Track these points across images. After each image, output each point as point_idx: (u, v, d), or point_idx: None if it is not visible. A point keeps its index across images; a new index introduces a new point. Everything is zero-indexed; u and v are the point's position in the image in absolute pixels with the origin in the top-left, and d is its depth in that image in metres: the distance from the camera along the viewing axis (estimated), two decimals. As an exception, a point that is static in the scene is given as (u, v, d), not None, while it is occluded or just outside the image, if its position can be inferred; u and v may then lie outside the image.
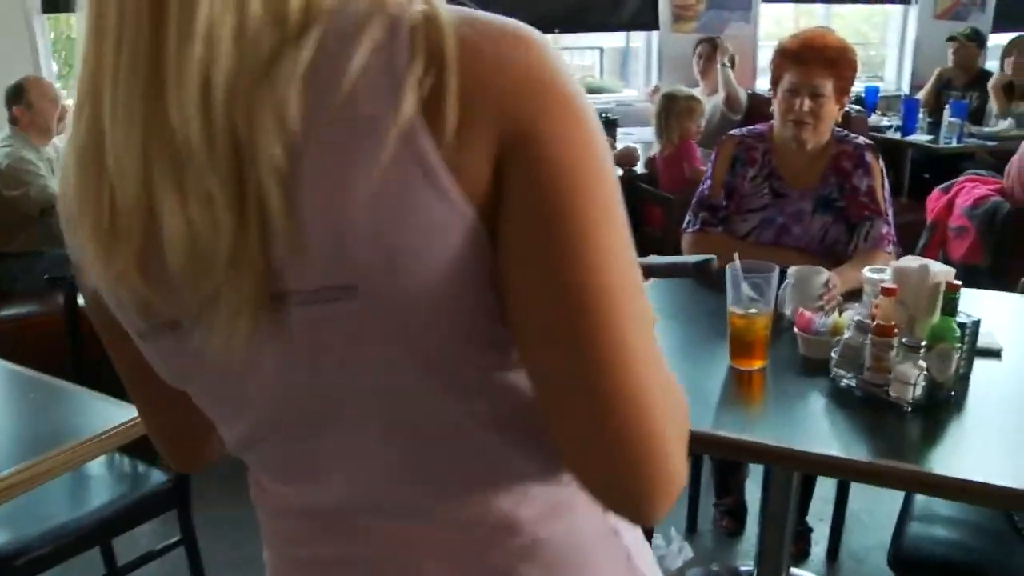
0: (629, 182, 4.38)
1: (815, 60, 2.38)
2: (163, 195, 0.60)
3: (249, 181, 0.59)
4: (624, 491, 0.66)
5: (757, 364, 1.85)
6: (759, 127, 2.63)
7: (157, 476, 2.39)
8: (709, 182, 2.60)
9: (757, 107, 5.17)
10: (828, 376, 1.77)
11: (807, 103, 2.39)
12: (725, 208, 2.56)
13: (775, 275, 1.83)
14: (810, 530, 2.82)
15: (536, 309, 0.62)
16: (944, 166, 5.05)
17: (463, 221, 0.60)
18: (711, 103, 4.90)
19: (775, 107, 2.49)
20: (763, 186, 2.54)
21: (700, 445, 1.67)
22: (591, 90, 7.96)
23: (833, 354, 1.76)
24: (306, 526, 0.78)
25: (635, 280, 0.65)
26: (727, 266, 1.84)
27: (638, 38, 6.16)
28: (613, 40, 7.47)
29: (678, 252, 2.77)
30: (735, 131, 2.66)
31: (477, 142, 0.59)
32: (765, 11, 6.22)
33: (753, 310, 1.82)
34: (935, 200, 3.69)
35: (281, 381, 0.68)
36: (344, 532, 0.76)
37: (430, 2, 0.61)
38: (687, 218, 2.64)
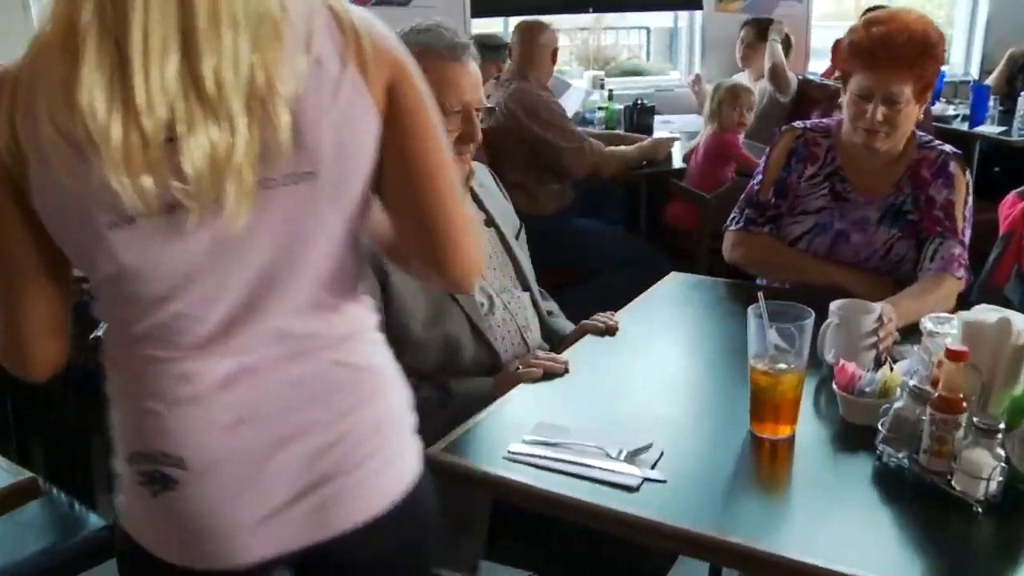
0: (657, 177, 3.99)
1: (892, 62, 1.97)
2: (190, 118, 0.92)
3: (257, 109, 0.95)
4: (457, 271, 1.15)
5: (784, 432, 1.47)
6: (825, 121, 2.27)
7: (94, 521, 2.10)
8: (760, 177, 2.27)
9: (807, 93, 4.74)
10: (875, 450, 1.39)
11: (881, 111, 1.99)
12: (775, 207, 2.21)
13: (810, 322, 1.45)
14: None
15: (406, 170, 1.10)
16: (1018, 161, 4.56)
17: (377, 127, 1.06)
18: (756, 91, 4.45)
19: (844, 106, 2.10)
20: (823, 186, 2.17)
21: (705, 552, 1.30)
22: (633, 72, 7.57)
23: (880, 425, 1.38)
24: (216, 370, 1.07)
25: (449, 159, 1.13)
26: (749, 309, 1.47)
27: (687, 17, 5.70)
28: (660, 19, 7.04)
29: (717, 255, 2.48)
30: (797, 123, 2.29)
31: (379, 83, 1.05)
32: (822, -12, 5.74)
33: (781, 365, 1.44)
34: (1010, 207, 3.22)
35: (247, 244, 1.02)
36: (255, 351, 1.08)
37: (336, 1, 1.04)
38: (732, 214, 2.31)
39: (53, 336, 1.11)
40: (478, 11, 4.94)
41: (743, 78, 4.69)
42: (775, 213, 2.22)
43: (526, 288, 2.03)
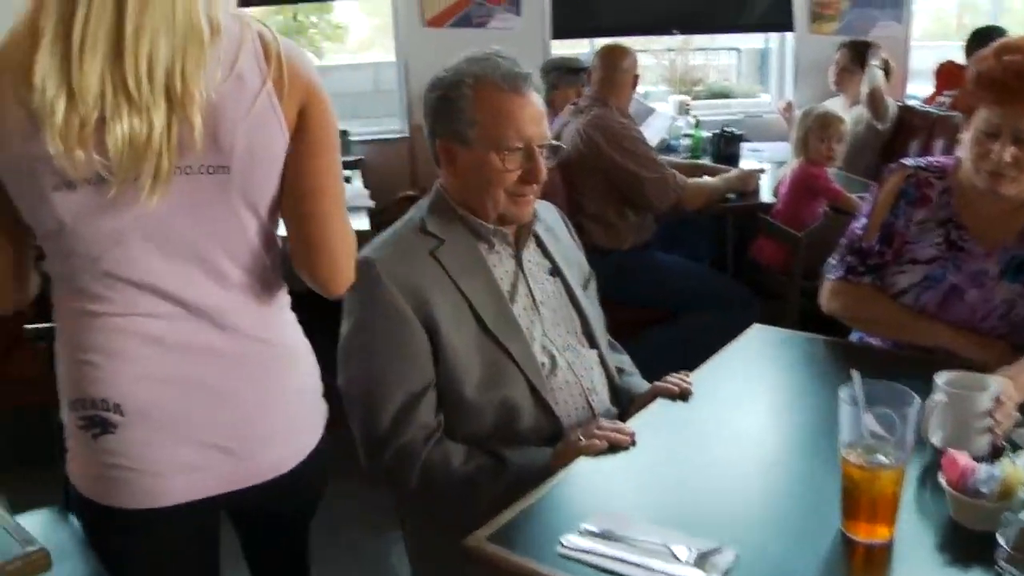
0: (745, 211, 3.76)
1: None
2: (114, 109, 1.15)
3: (175, 108, 1.17)
4: (325, 275, 1.38)
5: (880, 535, 1.26)
6: (941, 161, 2.04)
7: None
8: (864, 220, 2.06)
9: (907, 120, 4.47)
10: (994, 565, 1.17)
11: (1010, 151, 1.77)
12: (880, 255, 2.00)
13: (915, 409, 1.24)
14: None
15: (299, 183, 1.32)
16: None
17: (284, 137, 1.28)
18: (851, 117, 4.20)
19: (964, 145, 1.89)
20: (935, 233, 1.96)
21: None
22: (722, 94, 7.35)
23: (1001, 538, 1.16)
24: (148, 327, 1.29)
25: (340, 182, 1.38)
26: (840, 389, 1.27)
27: (778, 39, 5.43)
28: (751, 40, 6.81)
29: (809, 297, 2.32)
30: (908, 160, 2.07)
31: (292, 101, 1.27)
32: (921, 6, 5.40)
33: (880, 458, 1.24)
34: None
35: (171, 219, 1.24)
36: (179, 317, 1.29)
37: (265, 26, 1.28)
38: (831, 260, 2.11)
39: (12, 280, 1.35)
40: (560, 32, 4.80)
41: (837, 103, 4.45)
42: (879, 262, 2.01)
43: (593, 345, 1.85)
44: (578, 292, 1.86)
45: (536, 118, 1.69)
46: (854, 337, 2.16)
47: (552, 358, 1.74)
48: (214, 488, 1.34)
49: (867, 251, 2.02)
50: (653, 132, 4.39)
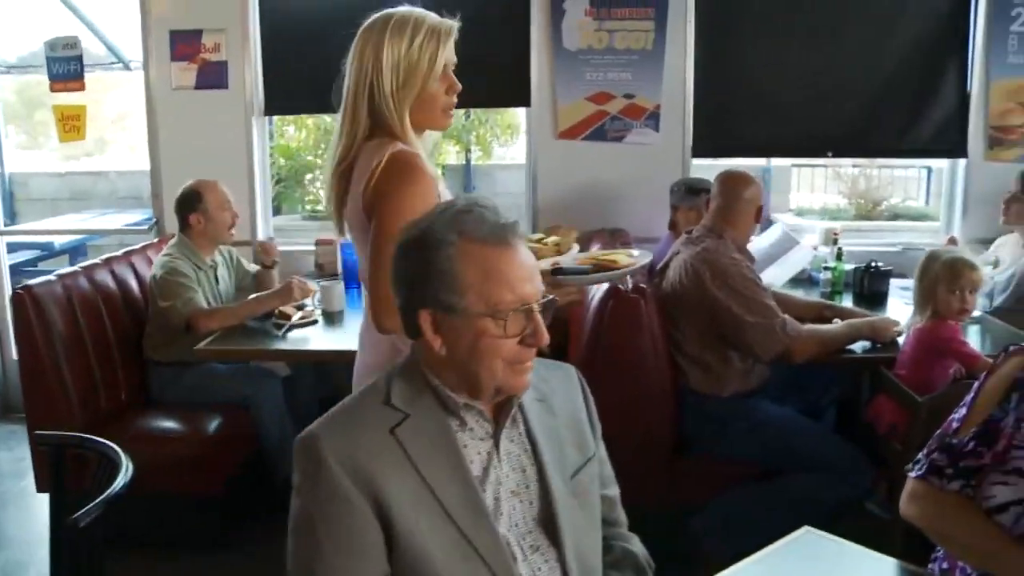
0: (871, 363, 3.28)
1: None
2: (329, 191, 2.25)
3: (340, 198, 2.21)
4: (370, 313, 2.12)
5: None
6: None
7: None
8: (963, 412, 1.72)
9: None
10: None
11: None
12: (975, 455, 1.66)
13: None
14: None
15: (367, 247, 2.09)
16: None
17: (361, 215, 2.12)
18: (1013, 265, 3.69)
19: None
20: None
21: None
22: (905, 216, 6.88)
23: None
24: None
25: (389, 250, 1.60)
26: None
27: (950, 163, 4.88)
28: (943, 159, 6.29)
29: None
30: None
31: (370, 197, 2.08)
32: None
33: None
34: None
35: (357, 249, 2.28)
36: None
37: (396, 146, 2.09)
38: (919, 455, 1.76)
39: None
40: (701, 150, 4.59)
41: (1010, 241, 3.96)
42: (973, 464, 1.66)
43: (555, 543, 1.56)
44: (554, 483, 1.57)
45: (528, 273, 1.48)
46: (937, 556, 1.78)
47: (508, 545, 1.51)
48: None
49: (959, 449, 1.67)
50: (789, 267, 4.06)
